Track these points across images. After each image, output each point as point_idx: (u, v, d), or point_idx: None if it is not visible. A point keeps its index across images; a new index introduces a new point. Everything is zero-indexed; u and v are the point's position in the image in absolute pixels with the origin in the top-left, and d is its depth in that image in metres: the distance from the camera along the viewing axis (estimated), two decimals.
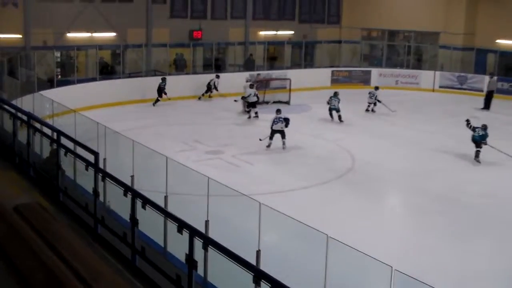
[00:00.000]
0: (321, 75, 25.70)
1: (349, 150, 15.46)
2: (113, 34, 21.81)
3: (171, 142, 15.48)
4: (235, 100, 20.14)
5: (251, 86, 19.56)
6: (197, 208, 7.67)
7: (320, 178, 13.10)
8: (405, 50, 28.07)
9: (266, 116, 19.58)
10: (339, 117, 18.85)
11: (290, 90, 22.15)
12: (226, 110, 20.35)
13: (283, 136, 15.39)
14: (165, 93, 20.68)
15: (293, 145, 15.80)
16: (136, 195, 6.75)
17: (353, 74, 26.33)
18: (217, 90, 21.79)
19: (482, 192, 12.41)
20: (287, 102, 21.48)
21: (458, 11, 26.73)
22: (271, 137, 15.35)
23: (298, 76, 23.22)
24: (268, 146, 15.32)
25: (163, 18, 23.11)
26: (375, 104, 20.76)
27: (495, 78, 23.33)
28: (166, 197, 8.08)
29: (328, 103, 19.11)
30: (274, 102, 21.40)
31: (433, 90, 25.86)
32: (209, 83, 21.85)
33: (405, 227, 10.79)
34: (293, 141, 16.35)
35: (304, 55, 26.99)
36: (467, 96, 24.28)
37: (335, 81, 25.90)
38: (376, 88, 21.51)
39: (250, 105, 19.27)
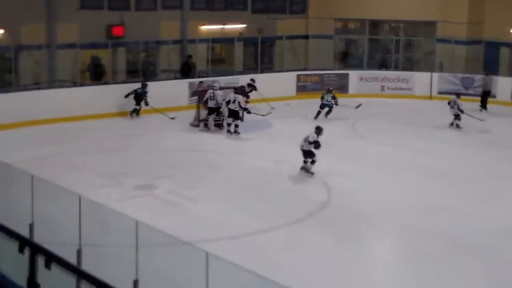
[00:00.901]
0: (283, 81, 26.04)
1: (323, 179, 15.65)
2: (0, 31, 21.60)
3: (87, 175, 15.35)
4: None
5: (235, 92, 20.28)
6: (122, 264, 7.67)
7: (286, 217, 13.19)
8: (393, 46, 28.77)
9: (215, 136, 19.77)
10: (328, 112, 22.04)
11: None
12: (160, 130, 20.38)
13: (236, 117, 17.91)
14: (146, 103, 21.40)
15: (250, 175, 15.91)
16: (36, 250, 6.69)
17: (325, 79, 26.78)
18: (146, 104, 21.83)
19: (492, 231, 12.75)
20: (240, 118, 21.59)
21: None
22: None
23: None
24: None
25: (71, 10, 22.99)
26: (458, 116, 21.27)
27: (491, 76, 24.40)
28: (79, 251, 8.04)
29: (322, 98, 22.28)
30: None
31: (430, 98, 26.55)
32: (136, 94, 21.85)
33: (399, 280, 10.97)
34: (249, 169, 16.49)
35: (260, 55, 27.27)
36: (475, 104, 25.02)
37: (301, 88, 26.29)
38: (458, 95, 21.97)
39: (232, 115, 19.86)
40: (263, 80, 24.68)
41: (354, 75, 27.07)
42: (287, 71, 27.05)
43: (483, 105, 24.53)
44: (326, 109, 22.27)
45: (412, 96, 26.48)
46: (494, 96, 25.09)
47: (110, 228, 9.73)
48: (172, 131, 20.25)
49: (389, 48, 29.24)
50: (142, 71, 24.41)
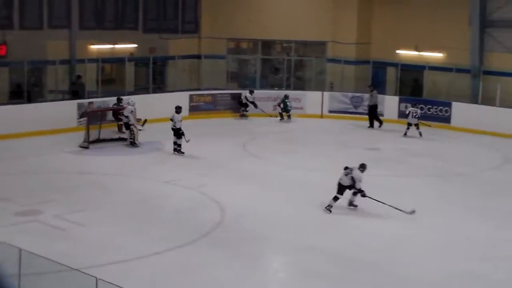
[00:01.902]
0: (175, 102, 25.81)
1: (216, 199, 15.65)
2: None
3: None
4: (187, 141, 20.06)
5: (177, 111, 20.33)
6: None
7: (178, 239, 13.09)
8: (285, 66, 29.28)
9: (105, 158, 19.43)
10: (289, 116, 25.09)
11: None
12: (46, 153, 19.84)
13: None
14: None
15: (141, 197, 15.73)
16: None
17: (218, 99, 26.90)
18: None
19: (386, 247, 13.09)
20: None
21: (350, 15, 28.55)
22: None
23: (145, 104, 23.23)
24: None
25: None
26: (417, 125, 23.67)
27: (375, 91, 25.46)
28: None
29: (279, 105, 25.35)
30: (114, 139, 21.27)
31: (321, 116, 27.13)
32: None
33: None
34: (141, 191, 16.30)
35: (152, 75, 27.15)
36: (364, 122, 25.76)
37: (194, 108, 26.30)
38: (415, 105, 24.19)
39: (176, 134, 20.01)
40: (155, 100, 24.54)
41: (247, 95, 27.25)
42: (179, 91, 26.97)
43: (372, 121, 25.31)
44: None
45: (303, 115, 26.96)
46: (382, 114, 25.90)
47: None
48: (59, 154, 19.74)
49: (281, 67, 29.71)
50: (27, 92, 23.69)
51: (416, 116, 23.77)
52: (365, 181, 15.01)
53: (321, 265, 12.08)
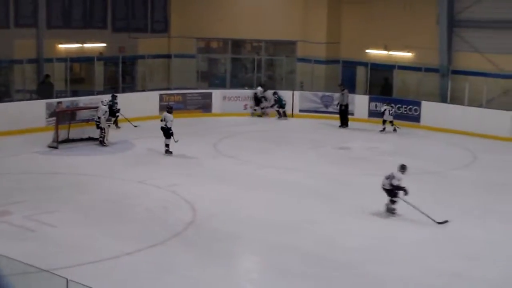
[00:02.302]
0: (145, 101, 25.83)
1: (188, 199, 15.59)
2: None
3: None
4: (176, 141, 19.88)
5: (168, 111, 20.22)
6: None
7: (150, 238, 13.02)
8: (255, 65, 29.28)
9: (75, 158, 19.25)
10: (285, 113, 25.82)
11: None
12: (15, 153, 19.58)
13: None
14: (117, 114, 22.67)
15: (112, 197, 15.64)
16: None
17: (188, 98, 26.82)
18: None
19: (360, 247, 13.12)
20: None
21: (319, 15, 28.65)
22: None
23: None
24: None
25: None
26: (392, 122, 24.40)
27: (346, 90, 25.64)
28: None
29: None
30: (83, 139, 21.09)
31: (292, 115, 27.16)
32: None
33: None
34: (111, 191, 16.18)
35: (122, 74, 26.99)
36: (335, 121, 25.84)
37: (165, 108, 26.07)
38: (389, 103, 24.92)
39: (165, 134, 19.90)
40: (125, 100, 24.37)
41: (217, 94, 27.25)
42: (149, 90, 26.85)
43: (343, 121, 25.42)
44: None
45: (274, 114, 26.95)
46: (352, 114, 26.02)
47: None
48: (27, 154, 19.52)
49: (251, 67, 29.70)
50: None
51: (391, 114, 24.44)
52: (336, 180, 15.06)
53: (295, 265, 12.07)
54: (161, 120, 20.09)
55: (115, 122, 23.22)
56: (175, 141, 19.77)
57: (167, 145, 19.93)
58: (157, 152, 20.18)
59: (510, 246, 13.43)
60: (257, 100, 26.97)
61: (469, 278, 11.68)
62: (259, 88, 27.05)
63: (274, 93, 26.55)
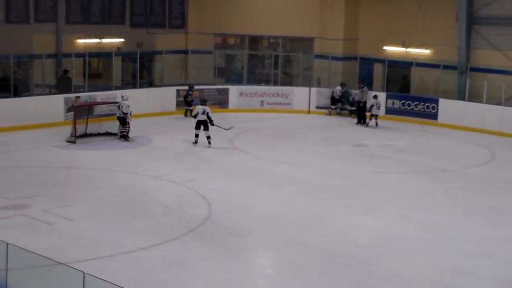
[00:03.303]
0: (163, 97, 25.96)
1: (204, 194, 15.69)
2: None
3: None
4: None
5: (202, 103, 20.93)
6: None
7: (166, 234, 13.12)
8: (272, 62, 29.31)
9: (90, 152, 19.43)
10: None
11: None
12: (33, 147, 19.77)
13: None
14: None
15: (128, 191, 15.76)
16: None
17: (205, 94, 26.88)
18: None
19: (372, 244, 13.18)
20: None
21: (337, 12, 28.54)
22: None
23: (132, 99, 23.14)
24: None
25: None
26: (377, 116, 24.67)
27: (366, 87, 25.72)
28: None
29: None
30: (100, 134, 21.24)
31: (308, 112, 27.18)
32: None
33: None
34: (127, 185, 16.31)
35: (140, 70, 27.13)
36: (352, 118, 25.86)
37: (182, 103, 26.28)
38: (375, 96, 24.91)
39: (200, 125, 20.48)
40: (142, 95, 24.57)
41: (234, 90, 27.30)
42: (167, 86, 26.94)
43: (360, 118, 25.42)
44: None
45: (291, 111, 27.01)
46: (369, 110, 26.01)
47: None
48: (46, 148, 19.71)
49: (268, 63, 29.72)
50: (14, 86, 23.61)
51: (379, 107, 24.77)
52: (350, 177, 15.07)
53: (309, 261, 12.15)
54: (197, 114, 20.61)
55: (189, 112, 24.51)
56: (228, 129, 21.21)
57: (208, 137, 20.45)
58: (174, 147, 20.30)
59: None
60: (334, 100, 26.73)
61: (479, 277, 11.72)
62: (338, 87, 26.74)
63: (375, 97, 25.05)
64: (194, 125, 20.64)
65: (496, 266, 12.24)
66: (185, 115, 24.99)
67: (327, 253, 12.53)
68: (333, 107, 26.76)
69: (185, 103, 25.17)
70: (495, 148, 21.95)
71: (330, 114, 26.80)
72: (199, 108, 20.63)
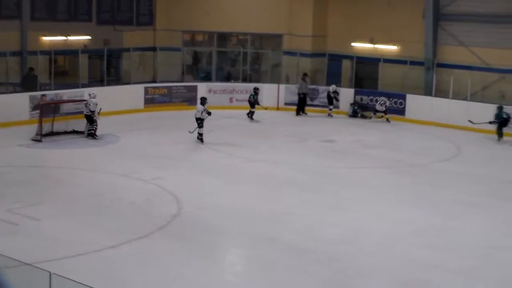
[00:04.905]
0: (130, 94, 25.82)
1: (173, 191, 15.63)
2: None
3: None
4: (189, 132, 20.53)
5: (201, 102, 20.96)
6: None
7: (135, 231, 13.03)
8: (241, 58, 29.29)
9: (57, 151, 19.22)
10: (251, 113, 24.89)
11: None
12: None
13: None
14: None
15: (96, 190, 15.63)
16: None
17: (173, 91, 26.82)
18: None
19: (343, 239, 13.22)
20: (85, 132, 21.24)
21: (305, 8, 28.63)
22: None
23: (99, 97, 22.98)
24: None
25: None
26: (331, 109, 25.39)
27: (307, 79, 26.41)
28: None
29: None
30: (67, 132, 21.04)
31: (277, 109, 27.22)
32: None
33: None
34: (95, 184, 16.17)
35: (107, 67, 26.94)
36: (320, 114, 25.94)
37: (149, 101, 26.17)
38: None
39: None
40: (109, 93, 24.35)
41: (202, 87, 27.19)
42: (134, 83, 26.80)
43: (298, 110, 26.30)
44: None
45: (260, 108, 26.99)
46: (338, 106, 26.15)
47: None
48: (11, 147, 19.44)
49: (237, 60, 29.70)
50: None
51: (383, 104, 25.29)
52: (320, 173, 15.09)
53: (279, 257, 12.15)
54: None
55: (251, 114, 25.04)
56: (191, 132, 20.68)
57: (200, 134, 20.51)
58: (141, 145, 20.19)
59: (487, 237, 13.58)
60: (330, 99, 26.47)
61: (446, 269, 11.82)
62: (333, 86, 26.54)
63: (378, 95, 25.90)
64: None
65: (463, 258, 12.36)
66: (251, 118, 25.08)
67: (297, 249, 12.55)
68: (331, 107, 26.57)
69: (250, 104, 25.17)
70: (461, 143, 22.18)
71: (329, 115, 26.45)
72: (199, 108, 20.68)
